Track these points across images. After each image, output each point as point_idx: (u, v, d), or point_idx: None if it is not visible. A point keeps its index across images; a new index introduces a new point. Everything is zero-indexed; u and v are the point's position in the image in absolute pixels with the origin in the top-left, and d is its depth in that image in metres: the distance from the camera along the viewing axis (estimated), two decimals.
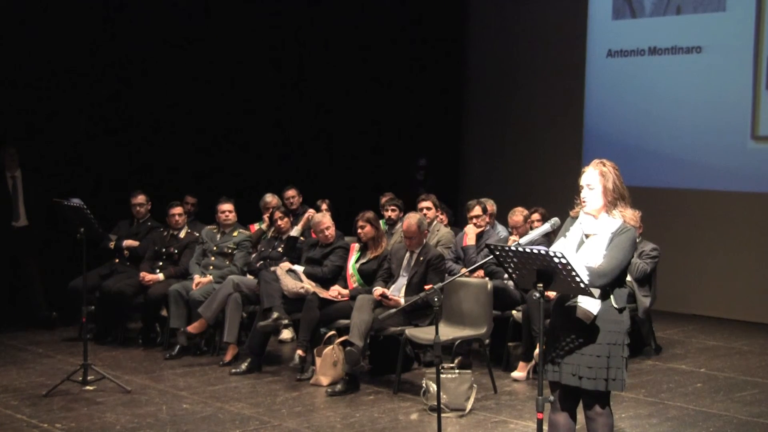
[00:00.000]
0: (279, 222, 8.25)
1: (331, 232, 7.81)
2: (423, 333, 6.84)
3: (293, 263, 7.81)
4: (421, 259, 7.18)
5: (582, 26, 11.30)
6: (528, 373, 7.23)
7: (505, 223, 8.12)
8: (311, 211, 8.50)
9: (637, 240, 7.76)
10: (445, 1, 12.32)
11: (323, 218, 7.85)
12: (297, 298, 7.38)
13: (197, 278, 8.09)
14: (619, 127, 10.98)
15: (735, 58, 10.08)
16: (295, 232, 8.14)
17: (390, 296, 7.05)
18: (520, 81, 12.08)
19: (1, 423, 6.04)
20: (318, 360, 7.07)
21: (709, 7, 10.27)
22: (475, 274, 7.43)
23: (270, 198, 9.04)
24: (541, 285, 4.16)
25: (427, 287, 6.89)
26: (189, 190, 9.64)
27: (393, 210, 8.51)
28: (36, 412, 6.28)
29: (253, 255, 8.26)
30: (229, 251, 8.28)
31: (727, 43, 10.14)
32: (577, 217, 4.52)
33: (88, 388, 6.84)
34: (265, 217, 8.83)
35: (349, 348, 6.80)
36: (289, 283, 7.44)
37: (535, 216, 8.09)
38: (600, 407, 4.45)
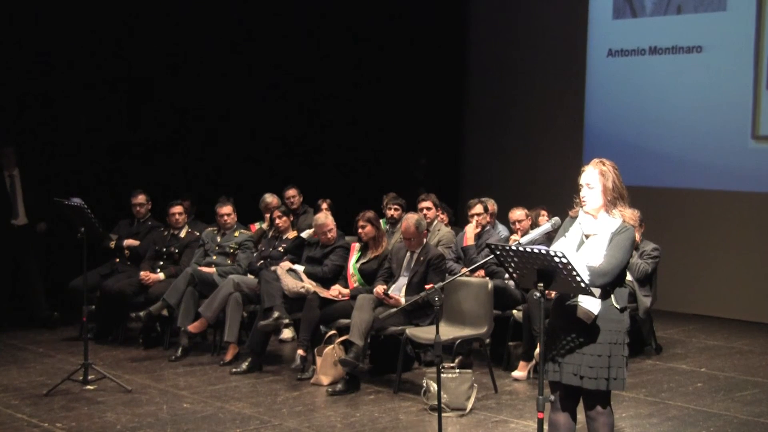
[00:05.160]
0: (278, 221, 8.25)
1: (333, 234, 7.82)
2: (423, 332, 6.84)
3: (294, 263, 7.82)
4: (422, 258, 7.18)
5: (582, 26, 11.30)
6: (528, 372, 7.23)
7: (505, 223, 8.12)
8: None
9: (638, 240, 7.81)
10: (445, 1, 12.32)
11: (326, 220, 7.85)
12: (297, 297, 7.39)
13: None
14: (619, 127, 10.99)
15: (735, 58, 10.08)
16: (305, 234, 8.11)
17: (391, 295, 7.05)
18: (520, 81, 12.08)
19: (1, 422, 6.04)
20: (318, 359, 7.07)
21: (709, 7, 10.27)
22: (476, 274, 7.44)
23: (270, 198, 9.06)
24: (541, 284, 4.16)
25: (427, 287, 6.89)
26: (189, 189, 9.64)
27: (396, 209, 8.50)
28: (36, 412, 6.28)
29: (254, 254, 8.27)
30: (231, 251, 8.28)
31: (727, 42, 10.14)
32: (576, 217, 4.52)
33: (88, 387, 6.84)
34: (267, 216, 8.85)
35: (343, 358, 6.80)
36: (290, 283, 7.44)
37: (542, 212, 8.11)
38: (601, 407, 4.45)
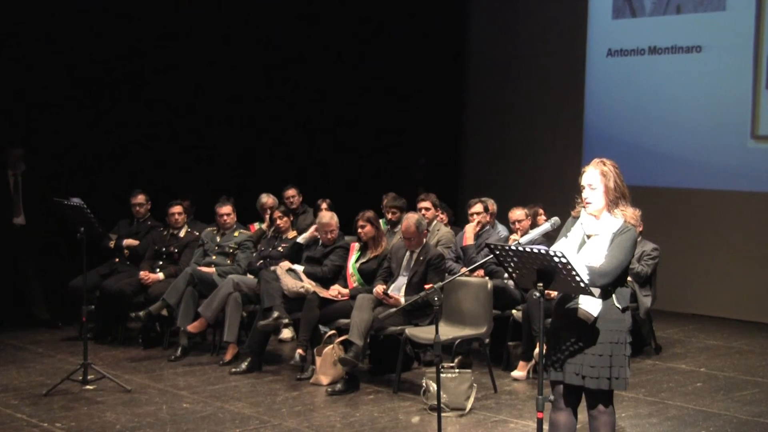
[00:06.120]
0: (279, 221, 8.25)
1: (334, 234, 7.82)
2: (423, 332, 6.84)
3: (293, 263, 7.81)
4: (421, 258, 7.18)
5: (582, 26, 11.30)
6: (528, 372, 7.23)
7: (505, 223, 8.12)
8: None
9: (638, 239, 7.81)
10: (445, 0, 12.32)
11: (331, 220, 7.83)
12: (297, 297, 7.38)
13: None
14: (619, 126, 10.99)
15: (735, 58, 10.08)
16: (301, 239, 8.09)
17: (391, 294, 7.04)
18: (520, 81, 12.08)
19: (1, 422, 6.04)
20: (318, 359, 7.07)
21: (709, 7, 10.27)
22: (475, 274, 7.43)
23: (266, 198, 9.07)
24: (541, 284, 4.16)
25: (427, 287, 6.89)
26: (189, 189, 9.64)
27: (394, 213, 8.45)
28: (36, 412, 6.28)
29: (253, 254, 8.27)
30: (231, 251, 8.28)
31: (727, 42, 10.14)
32: (578, 217, 4.52)
33: (88, 387, 6.84)
34: (266, 216, 8.85)
35: (342, 356, 6.80)
36: (289, 283, 7.44)
37: (540, 210, 8.12)
38: (603, 406, 4.45)
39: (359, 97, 11.64)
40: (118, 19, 9.91)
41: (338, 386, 6.82)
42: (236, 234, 8.38)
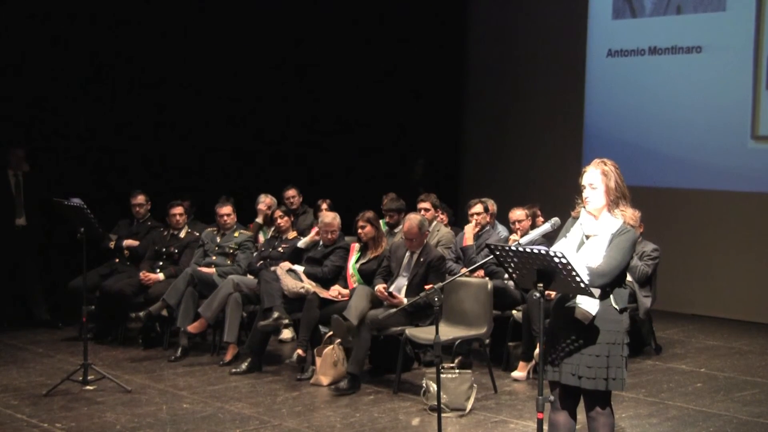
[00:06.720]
0: (279, 221, 8.25)
1: (335, 234, 7.82)
2: (423, 333, 6.84)
3: (293, 263, 7.81)
4: (422, 260, 7.18)
5: (582, 26, 11.30)
6: (528, 372, 7.23)
7: (505, 223, 8.12)
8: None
9: (638, 240, 7.81)
10: (445, 1, 12.32)
11: (334, 221, 7.82)
12: (297, 297, 7.39)
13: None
14: (619, 127, 10.99)
15: (735, 58, 10.09)
16: (302, 243, 8.08)
17: (394, 294, 7.03)
18: (520, 81, 12.08)
19: (1, 422, 6.04)
20: (318, 360, 7.07)
21: (709, 7, 10.27)
22: (476, 274, 7.43)
23: (264, 198, 9.07)
24: (541, 285, 4.16)
25: (427, 287, 6.89)
26: (189, 190, 9.65)
27: (391, 216, 8.41)
28: (36, 412, 6.28)
29: (254, 255, 8.27)
30: (231, 251, 8.28)
31: (727, 43, 10.15)
32: (578, 218, 4.52)
33: (88, 387, 6.84)
34: (261, 207, 8.87)
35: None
36: (290, 283, 7.44)
37: (538, 212, 8.13)
38: (600, 407, 4.45)
39: (359, 97, 11.63)
40: (118, 20, 9.92)
41: (342, 384, 6.82)
42: (236, 234, 8.37)
